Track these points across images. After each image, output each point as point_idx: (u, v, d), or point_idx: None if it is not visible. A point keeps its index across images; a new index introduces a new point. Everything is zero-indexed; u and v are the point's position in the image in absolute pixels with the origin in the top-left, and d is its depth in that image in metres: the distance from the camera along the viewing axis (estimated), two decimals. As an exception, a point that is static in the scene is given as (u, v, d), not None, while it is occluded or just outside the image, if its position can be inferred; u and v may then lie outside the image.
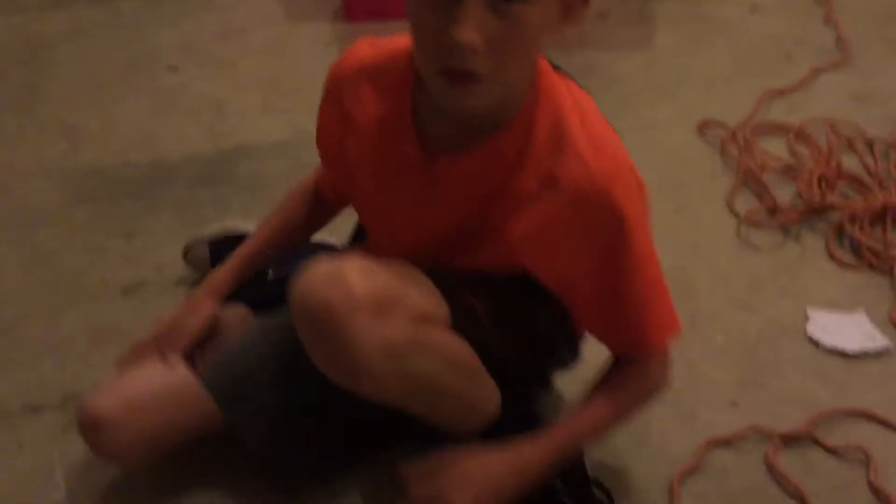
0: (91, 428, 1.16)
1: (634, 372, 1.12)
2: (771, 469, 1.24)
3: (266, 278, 1.36)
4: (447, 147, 1.04)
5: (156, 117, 2.14)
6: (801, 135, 1.92)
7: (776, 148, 1.90)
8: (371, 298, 0.97)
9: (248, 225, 1.56)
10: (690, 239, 1.65)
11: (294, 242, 1.36)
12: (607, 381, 1.13)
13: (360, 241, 1.34)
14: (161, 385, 1.19)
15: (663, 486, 1.22)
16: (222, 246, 1.53)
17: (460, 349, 1.07)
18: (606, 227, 1.01)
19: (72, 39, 2.40)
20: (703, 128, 1.97)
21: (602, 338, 1.13)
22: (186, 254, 1.58)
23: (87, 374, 1.44)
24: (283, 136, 2.04)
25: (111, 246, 1.73)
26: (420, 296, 1.04)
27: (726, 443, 1.28)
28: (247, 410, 1.20)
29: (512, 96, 0.99)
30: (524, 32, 0.90)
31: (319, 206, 1.36)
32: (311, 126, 2.02)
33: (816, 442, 1.27)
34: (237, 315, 1.31)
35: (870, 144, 1.87)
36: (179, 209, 1.82)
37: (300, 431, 1.21)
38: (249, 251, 1.34)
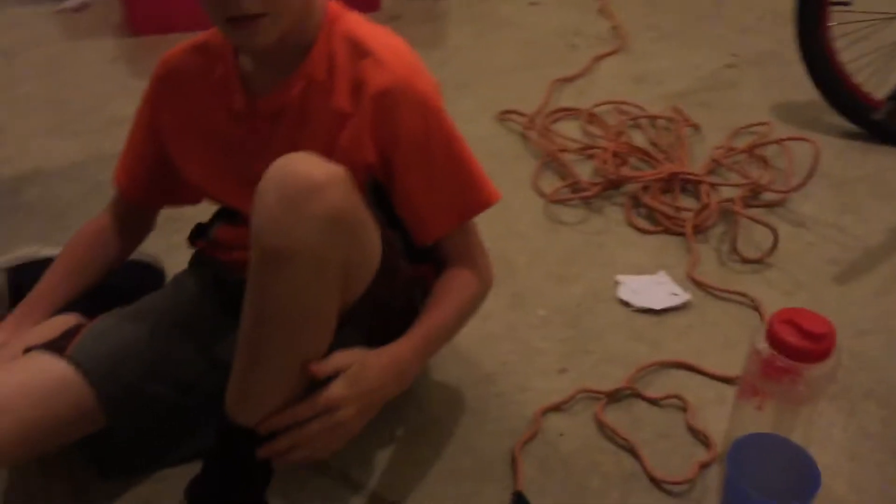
0: None
1: (464, 275, 1.17)
2: (601, 426, 1.30)
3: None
4: (269, 92, 1.13)
5: (-75, 149, 1.96)
6: (592, 117, 2.04)
7: (571, 130, 2.01)
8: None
9: (49, 250, 1.46)
10: (504, 221, 1.71)
11: (106, 270, 1.31)
12: (443, 287, 1.16)
13: (202, 235, 1.31)
14: (28, 374, 1.09)
15: (506, 457, 1.25)
16: (22, 273, 1.42)
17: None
18: (416, 114, 1.09)
19: None
20: (503, 117, 2.06)
21: (435, 218, 1.15)
22: (-22, 287, 1.45)
23: None
24: (76, 158, 1.93)
25: None
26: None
27: (558, 408, 1.34)
28: (119, 387, 1.13)
29: (302, 26, 1.09)
30: None
31: (125, 227, 1.33)
32: (105, 145, 1.96)
33: (639, 395, 1.35)
34: (77, 318, 1.22)
35: (653, 120, 2.02)
36: (-36, 243, 1.67)
37: (171, 411, 1.19)
38: (55, 281, 1.27)
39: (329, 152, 1.00)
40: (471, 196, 1.16)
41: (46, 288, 1.27)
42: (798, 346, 1.07)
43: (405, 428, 1.31)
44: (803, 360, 1.08)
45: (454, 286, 1.16)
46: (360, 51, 1.10)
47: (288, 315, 0.95)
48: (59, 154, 1.95)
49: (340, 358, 1.02)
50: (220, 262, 1.27)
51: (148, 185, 1.30)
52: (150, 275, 1.48)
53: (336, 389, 1.00)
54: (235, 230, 1.24)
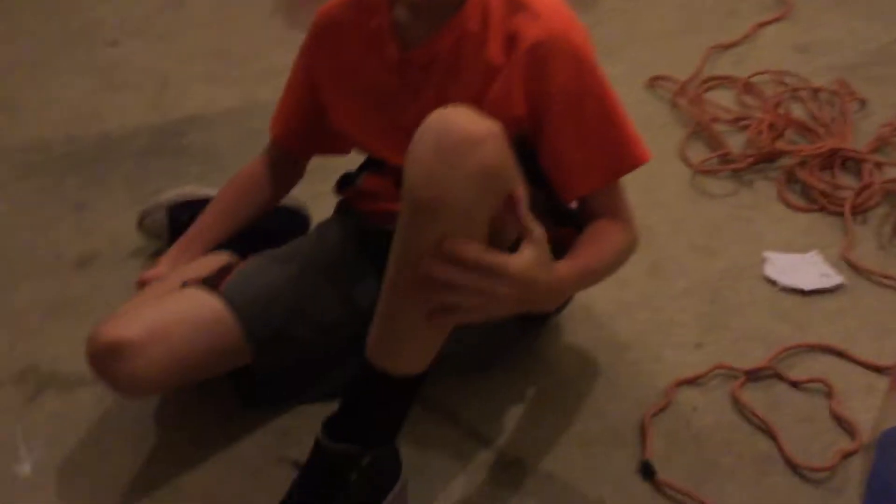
0: (110, 355, 1.08)
1: (615, 226, 1.15)
2: (737, 405, 1.26)
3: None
4: (422, 43, 1.14)
5: (98, 92, 2.09)
6: (748, 86, 1.95)
7: (725, 100, 1.93)
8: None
9: (207, 190, 1.53)
10: (647, 190, 1.67)
11: (258, 214, 1.37)
12: (595, 232, 1.14)
13: (349, 184, 1.34)
14: (183, 307, 1.15)
15: (635, 426, 1.24)
16: (182, 210, 1.50)
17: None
18: (570, 68, 1.08)
19: (4, 15, 2.32)
20: (654, 83, 2.00)
21: (585, 174, 1.14)
22: (142, 221, 1.54)
23: (44, 348, 1.40)
24: (233, 105, 2.01)
25: (61, 219, 1.68)
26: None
27: (693, 382, 1.30)
28: (266, 327, 1.19)
29: None
30: None
31: (277, 173, 1.38)
32: (260, 94, 2.04)
33: (779, 377, 1.30)
34: (229, 256, 1.30)
35: (814, 93, 1.91)
36: (130, 181, 1.78)
37: (312, 351, 1.23)
38: (211, 220, 1.34)
39: (478, 104, 0.99)
40: (622, 153, 1.14)
41: (202, 227, 1.34)
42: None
43: (536, 388, 1.31)
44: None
45: (606, 233, 1.14)
46: (515, 4, 1.10)
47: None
48: (219, 101, 2.03)
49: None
50: (364, 212, 1.30)
51: (302, 134, 1.35)
52: (297, 220, 1.53)
53: (515, 264, 0.94)
54: (381, 180, 1.27)
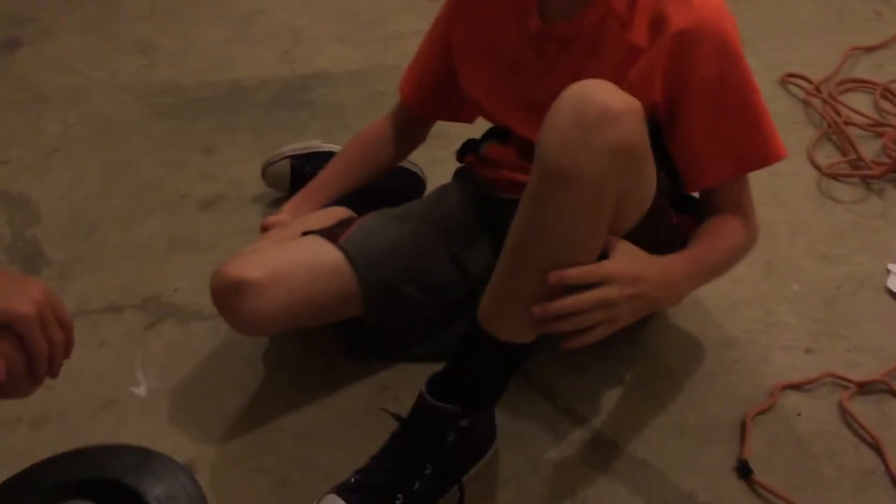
0: (233, 292, 1.13)
1: (735, 222, 1.14)
2: (845, 415, 1.23)
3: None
4: (565, 17, 1.13)
5: (232, 41, 2.16)
6: (887, 92, 1.87)
7: (861, 104, 1.85)
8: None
9: (330, 146, 1.57)
10: (772, 188, 1.62)
11: (378, 172, 1.39)
12: (714, 226, 1.14)
13: (472, 150, 1.35)
14: (303, 254, 1.19)
15: (735, 424, 1.22)
16: (304, 162, 1.55)
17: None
18: (715, 56, 1.07)
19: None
20: (787, 80, 1.93)
21: (716, 164, 1.13)
22: (265, 169, 1.59)
23: (166, 279, 1.47)
24: (359, 66, 2.05)
25: (189, 160, 1.75)
26: None
27: (800, 387, 1.27)
28: (380, 281, 1.22)
29: None
30: None
31: (401, 135, 1.40)
32: (386, 57, 2.07)
33: (893, 392, 1.26)
34: (346, 211, 1.33)
35: (959, 105, 1.82)
36: (256, 129, 1.83)
37: (419, 310, 1.26)
38: (333, 174, 1.37)
39: (616, 85, 0.99)
40: (756, 147, 1.12)
41: (324, 180, 1.38)
42: None
43: (635, 374, 1.30)
44: None
45: (726, 229, 1.13)
46: None
47: (557, 236, 0.97)
48: (346, 60, 2.07)
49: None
50: (485, 180, 1.31)
51: (430, 97, 1.36)
52: (415, 183, 1.55)
53: (610, 265, 0.99)
54: (504, 149, 1.27)
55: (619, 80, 1.08)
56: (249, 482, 1.16)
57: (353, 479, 1.07)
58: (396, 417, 1.10)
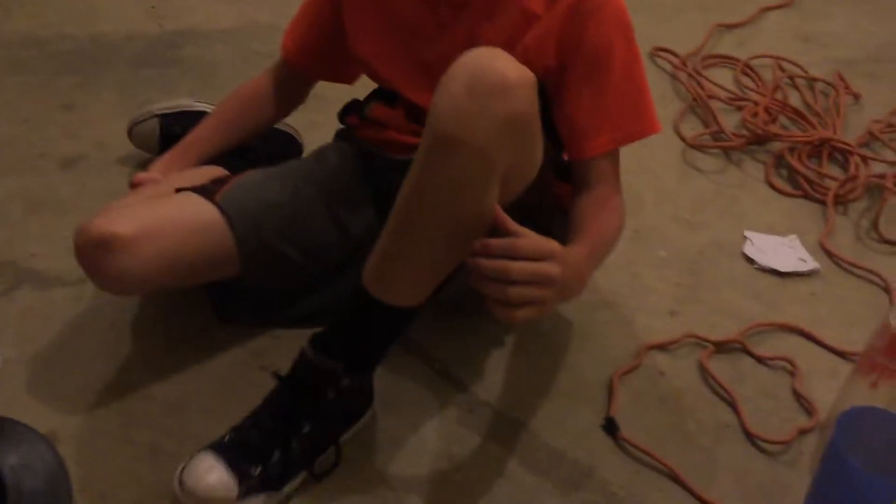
0: (101, 248, 1.06)
1: (615, 199, 1.15)
2: (704, 372, 1.29)
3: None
4: None
5: (97, -7, 2.05)
6: (747, 68, 1.96)
7: (723, 79, 1.94)
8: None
9: (201, 105, 1.52)
10: (639, 157, 1.68)
11: (255, 131, 1.36)
12: (598, 205, 1.13)
13: (356, 111, 1.33)
14: (177, 210, 1.14)
15: (603, 383, 1.26)
16: (174, 121, 1.49)
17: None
18: (607, 27, 1.09)
19: None
20: (655, 54, 2.00)
21: (597, 134, 1.13)
22: (132, 128, 1.52)
23: (22, 243, 1.39)
24: (233, 24, 1.98)
25: (49, 118, 1.66)
26: None
27: (663, 347, 1.33)
28: (257, 240, 1.18)
29: None
30: None
31: (282, 93, 1.36)
32: (261, 16, 2.01)
33: (747, 351, 1.33)
34: (221, 170, 1.29)
35: (811, 82, 1.93)
36: (122, 87, 1.75)
37: (297, 272, 1.23)
38: (208, 131, 1.32)
39: (510, 49, 0.99)
40: (636, 120, 1.15)
41: (198, 138, 1.33)
42: (933, 329, 1.03)
43: (510, 337, 1.33)
44: (935, 344, 1.04)
45: (607, 206, 1.14)
46: None
47: (444, 202, 0.96)
48: (218, 17, 2.00)
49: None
50: (369, 141, 1.29)
51: (315, 54, 1.33)
52: (291, 145, 1.52)
53: (558, 245, 0.94)
54: (391, 111, 1.26)
55: (513, 44, 1.10)
56: (117, 452, 1.12)
57: (227, 438, 1.05)
58: (275, 375, 1.08)
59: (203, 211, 1.16)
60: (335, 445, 1.10)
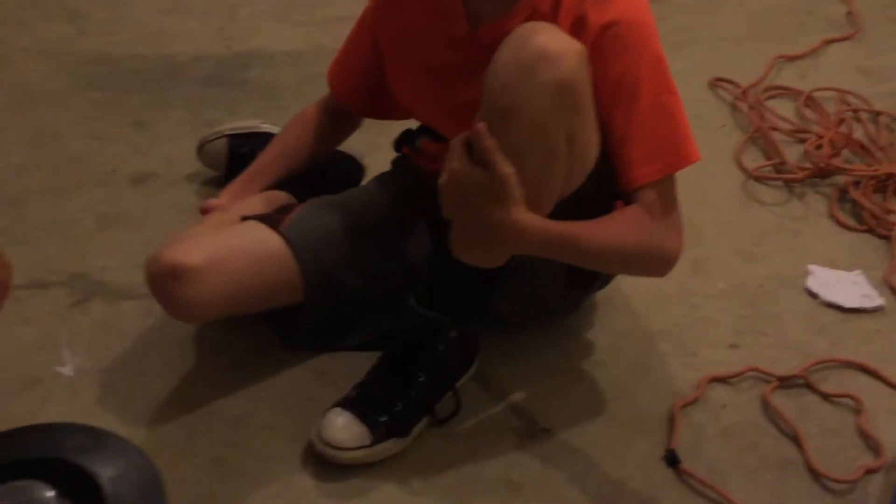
0: (170, 278, 1.11)
1: (646, 219, 1.11)
2: (767, 407, 1.28)
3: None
4: (490, 22, 1.14)
5: (166, 14, 2.10)
6: (810, 100, 1.95)
7: (785, 111, 1.93)
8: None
9: (268, 126, 1.55)
10: (699, 189, 1.67)
11: (317, 157, 1.40)
12: (618, 214, 1.12)
13: (408, 142, 1.35)
14: (243, 240, 1.18)
15: (664, 415, 1.26)
16: (242, 142, 1.52)
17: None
18: (631, 54, 1.09)
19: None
20: (716, 84, 2.00)
21: (635, 164, 1.11)
22: (202, 147, 1.56)
23: (94, 256, 1.43)
24: (298, 47, 2.02)
25: (120, 135, 1.70)
26: None
27: (725, 380, 1.32)
28: (321, 269, 1.21)
29: None
30: None
31: (335, 123, 1.40)
32: (325, 40, 2.04)
33: (811, 387, 1.32)
34: (286, 197, 1.32)
35: (875, 116, 1.91)
36: (190, 106, 1.79)
37: (358, 298, 1.27)
38: (272, 158, 1.36)
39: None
40: (671, 151, 1.12)
41: (263, 165, 1.36)
42: None
43: (568, 364, 1.33)
44: None
45: (625, 220, 1.10)
46: None
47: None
48: (283, 40, 2.04)
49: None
50: (423, 170, 1.31)
51: (360, 93, 1.36)
52: (354, 168, 1.55)
53: (516, 181, 0.98)
54: (439, 145, 1.27)
55: None
56: (182, 463, 1.14)
57: (354, 394, 1.17)
58: (390, 333, 1.19)
59: (268, 240, 1.19)
60: (453, 391, 1.20)
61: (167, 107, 1.78)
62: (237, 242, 1.17)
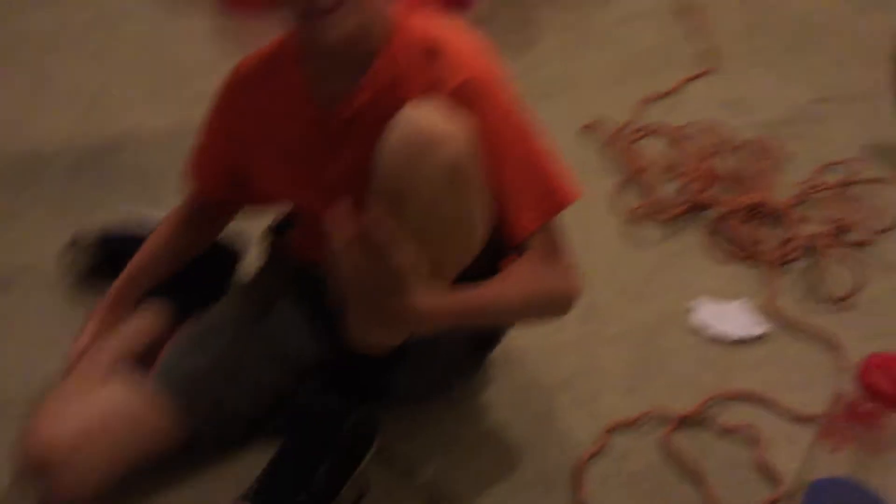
0: (43, 469, 1.09)
1: (539, 267, 1.12)
2: (668, 450, 1.29)
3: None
4: (340, 100, 1.13)
5: (26, 103, 2.02)
6: (678, 137, 2.02)
7: (656, 149, 1.99)
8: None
9: (141, 217, 1.50)
10: (581, 235, 1.67)
11: (188, 257, 1.35)
12: (514, 269, 1.11)
13: (281, 230, 1.33)
14: (112, 404, 1.15)
15: (570, 468, 1.25)
16: (112, 238, 1.46)
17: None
18: (490, 109, 1.07)
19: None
20: (588, 128, 2.05)
21: (517, 215, 1.11)
22: (70, 247, 1.49)
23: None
24: (166, 128, 1.97)
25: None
26: None
27: (627, 426, 1.33)
28: (204, 406, 1.19)
29: (371, 24, 1.08)
30: None
31: (205, 219, 1.36)
32: (194, 119, 1.99)
33: (708, 423, 1.34)
34: (161, 313, 1.27)
35: (741, 147, 1.99)
36: (55, 200, 1.72)
37: (250, 411, 1.24)
38: (142, 267, 1.32)
39: None
40: (550, 192, 1.12)
41: (131, 276, 1.31)
42: (890, 393, 1.05)
43: (470, 429, 1.32)
44: (893, 406, 1.06)
45: (524, 272, 1.11)
46: (432, 51, 1.09)
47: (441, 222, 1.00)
48: (152, 122, 1.99)
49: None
50: (297, 257, 1.29)
51: (223, 185, 1.32)
52: (229, 256, 1.49)
53: (415, 267, 0.96)
54: (315, 231, 1.22)
55: None
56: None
57: (256, 486, 1.14)
58: (287, 418, 1.15)
59: (137, 399, 1.16)
60: (356, 476, 1.18)
61: (30, 203, 1.70)
62: (106, 410, 1.14)
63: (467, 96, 1.06)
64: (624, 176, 1.89)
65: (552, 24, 2.45)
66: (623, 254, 1.70)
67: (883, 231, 1.74)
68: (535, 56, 2.33)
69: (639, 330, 1.52)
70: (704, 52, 2.38)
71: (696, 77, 2.27)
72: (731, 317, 1.55)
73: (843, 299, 1.59)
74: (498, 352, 1.39)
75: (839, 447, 1.12)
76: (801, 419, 1.34)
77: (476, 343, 1.27)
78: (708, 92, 2.23)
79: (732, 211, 1.76)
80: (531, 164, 1.12)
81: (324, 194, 1.11)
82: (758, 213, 1.77)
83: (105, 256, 1.46)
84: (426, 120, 0.97)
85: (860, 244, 1.72)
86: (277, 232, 1.33)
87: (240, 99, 1.22)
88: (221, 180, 1.31)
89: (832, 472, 1.13)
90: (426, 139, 0.96)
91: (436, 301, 1.01)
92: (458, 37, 1.10)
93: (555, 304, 1.16)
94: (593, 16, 2.49)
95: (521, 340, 1.42)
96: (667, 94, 2.20)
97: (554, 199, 1.13)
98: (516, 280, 1.10)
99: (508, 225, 1.12)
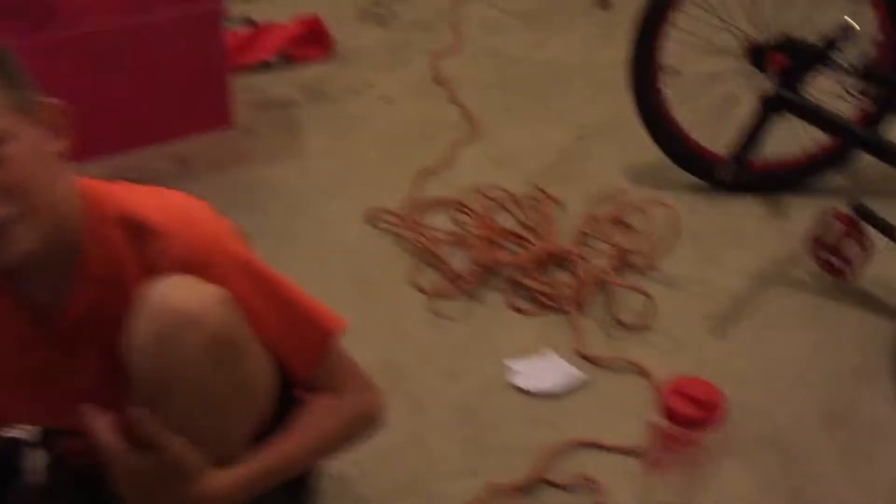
0: None
1: (326, 402, 1.08)
2: (518, 522, 1.30)
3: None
4: (59, 308, 1.02)
5: None
6: (459, 205, 2.07)
7: (441, 221, 2.03)
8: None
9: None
10: (388, 325, 1.70)
11: None
12: (309, 409, 1.08)
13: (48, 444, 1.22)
14: None
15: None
16: None
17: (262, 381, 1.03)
18: (223, 275, 1.00)
19: None
20: (371, 217, 2.06)
21: (293, 362, 1.08)
22: None
23: None
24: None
25: None
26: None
27: (472, 512, 1.32)
28: None
29: (65, 223, 0.98)
30: (21, 169, 0.90)
31: None
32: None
33: (549, 483, 1.36)
34: None
35: (517, 201, 2.07)
36: None
37: None
38: None
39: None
40: (313, 332, 1.09)
41: None
42: (691, 416, 1.10)
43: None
44: (698, 427, 1.11)
45: (317, 410, 1.08)
46: (139, 232, 1.01)
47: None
48: None
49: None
50: (81, 459, 1.17)
51: None
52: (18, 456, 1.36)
53: (191, 454, 0.93)
54: (79, 441, 1.10)
55: None
56: None
57: None
58: None
59: None
60: None
61: None
62: None
63: (191, 270, 0.98)
64: (416, 256, 1.91)
65: (314, 121, 2.47)
66: (433, 334, 1.71)
67: (660, 252, 1.85)
68: (304, 156, 2.33)
69: (464, 407, 1.52)
70: (463, 118, 2.48)
71: (462, 144, 2.36)
72: (547, 370, 1.59)
73: (639, 325, 1.67)
74: (334, 469, 1.35)
75: (665, 474, 1.16)
76: (632, 452, 1.39)
77: (294, 489, 1.22)
78: (476, 155, 2.31)
79: (523, 267, 1.82)
80: (286, 314, 1.07)
81: (71, 404, 1.00)
82: (547, 261, 1.84)
83: None
84: (173, 298, 0.91)
85: (643, 268, 1.83)
86: (46, 443, 1.22)
87: None
88: None
89: (670, 498, 1.16)
90: (179, 320, 0.90)
91: (227, 478, 0.97)
92: (159, 205, 1.02)
93: (360, 427, 1.14)
94: (349, 104, 2.53)
95: (354, 453, 1.38)
96: (439, 166, 2.26)
97: (319, 339, 1.09)
98: (310, 422, 1.07)
99: (289, 372, 1.09)
